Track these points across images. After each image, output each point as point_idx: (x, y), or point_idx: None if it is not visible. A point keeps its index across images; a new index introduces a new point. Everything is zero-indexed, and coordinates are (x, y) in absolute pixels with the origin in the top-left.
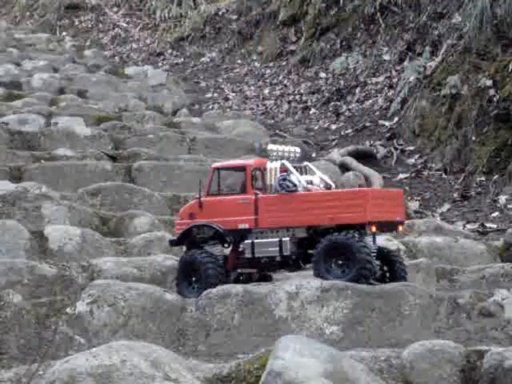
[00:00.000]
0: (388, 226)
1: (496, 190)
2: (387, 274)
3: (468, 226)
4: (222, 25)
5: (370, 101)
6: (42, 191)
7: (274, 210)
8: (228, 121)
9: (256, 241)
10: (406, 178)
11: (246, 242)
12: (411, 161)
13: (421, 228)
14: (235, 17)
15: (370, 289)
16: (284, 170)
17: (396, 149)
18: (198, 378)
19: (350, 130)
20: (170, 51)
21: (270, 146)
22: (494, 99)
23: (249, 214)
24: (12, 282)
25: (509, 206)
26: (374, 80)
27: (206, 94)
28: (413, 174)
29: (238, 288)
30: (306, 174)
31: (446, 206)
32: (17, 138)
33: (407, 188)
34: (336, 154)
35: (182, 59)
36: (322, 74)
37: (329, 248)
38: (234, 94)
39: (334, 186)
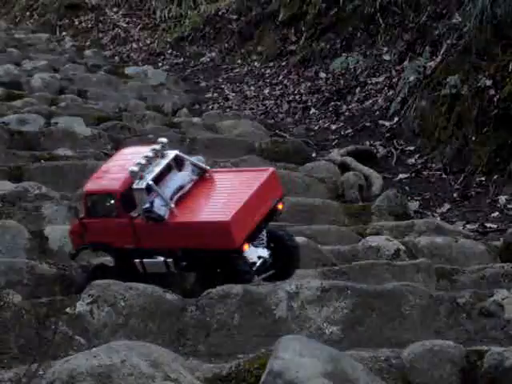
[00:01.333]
0: (268, 218)
1: (496, 190)
2: (279, 258)
3: (468, 226)
4: (222, 25)
5: (370, 101)
6: (42, 191)
7: (151, 233)
8: (228, 121)
9: (145, 260)
10: (406, 178)
11: (136, 260)
12: (411, 161)
13: (421, 228)
14: (235, 17)
15: (370, 289)
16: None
17: (396, 149)
18: (198, 378)
19: (350, 130)
20: (169, 51)
21: (131, 168)
22: (494, 99)
23: (130, 236)
24: (12, 282)
25: (509, 206)
26: (374, 80)
27: (206, 94)
28: (413, 174)
29: (238, 288)
30: (183, 166)
31: (446, 206)
32: (17, 137)
33: (407, 188)
34: (336, 154)
35: (182, 59)
36: (322, 74)
37: (208, 264)
38: (233, 94)
39: (208, 168)
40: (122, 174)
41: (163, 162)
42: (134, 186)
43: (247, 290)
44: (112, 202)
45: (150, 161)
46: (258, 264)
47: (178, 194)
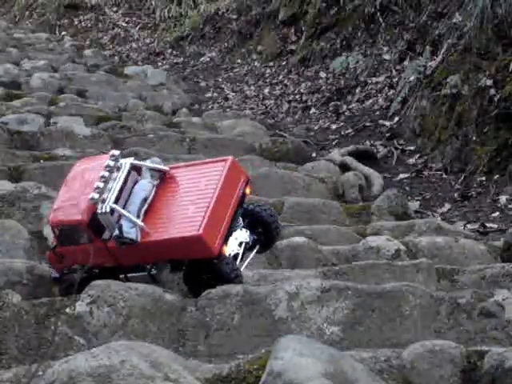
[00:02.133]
0: (239, 206)
1: (496, 190)
2: (258, 230)
3: (468, 226)
4: (222, 24)
5: (371, 100)
6: (42, 191)
7: (127, 254)
8: (228, 121)
9: (129, 275)
10: (406, 178)
11: (121, 276)
12: (411, 161)
13: (421, 228)
14: (235, 16)
15: (371, 289)
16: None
17: (396, 149)
18: (197, 379)
19: (350, 130)
20: (169, 51)
21: (91, 195)
22: (495, 99)
23: (107, 257)
24: (11, 282)
25: (509, 206)
26: (375, 80)
27: (205, 93)
28: (413, 174)
29: (238, 288)
30: (141, 172)
31: (447, 206)
32: (16, 137)
33: (407, 188)
34: (336, 154)
35: (182, 59)
36: (322, 74)
37: (192, 271)
38: (233, 94)
39: (167, 168)
40: (83, 201)
41: (120, 177)
42: (98, 211)
43: (247, 290)
44: (81, 230)
45: (107, 180)
46: (241, 252)
47: (144, 208)
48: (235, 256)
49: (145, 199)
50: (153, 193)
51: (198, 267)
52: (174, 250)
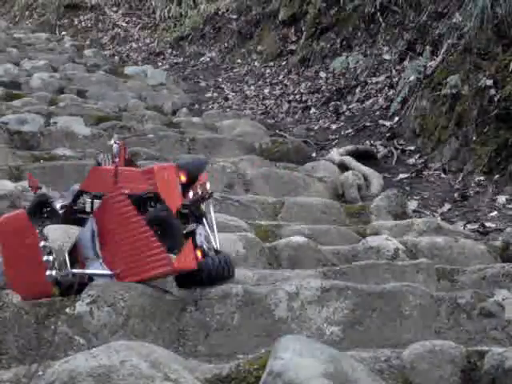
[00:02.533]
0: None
1: (496, 189)
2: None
3: (468, 226)
4: (222, 24)
5: (371, 100)
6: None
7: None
8: (228, 121)
9: None
10: (406, 178)
11: None
12: (411, 160)
13: (421, 228)
14: (235, 16)
15: (371, 289)
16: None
17: (396, 148)
18: (197, 379)
19: (350, 130)
20: (169, 51)
21: (45, 258)
22: (495, 99)
23: None
24: None
25: (509, 206)
26: (375, 80)
27: (205, 93)
28: (413, 174)
29: (238, 288)
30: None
31: (447, 206)
32: (16, 137)
33: (407, 188)
34: (336, 154)
35: (182, 59)
36: (322, 74)
37: (181, 280)
38: (233, 94)
39: (102, 198)
40: (38, 274)
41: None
42: (59, 279)
43: (247, 290)
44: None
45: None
46: (205, 245)
47: (97, 244)
48: (205, 251)
49: (92, 236)
50: (94, 224)
51: (185, 277)
52: (155, 277)
